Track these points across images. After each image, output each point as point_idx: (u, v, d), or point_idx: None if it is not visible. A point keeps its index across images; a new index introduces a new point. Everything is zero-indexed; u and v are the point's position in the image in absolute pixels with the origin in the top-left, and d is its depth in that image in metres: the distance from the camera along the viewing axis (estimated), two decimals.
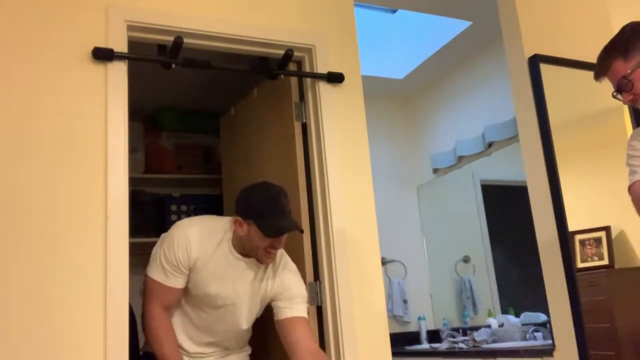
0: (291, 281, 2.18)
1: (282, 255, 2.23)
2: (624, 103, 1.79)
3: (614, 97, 1.77)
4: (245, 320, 2.20)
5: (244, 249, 2.09)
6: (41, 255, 1.94)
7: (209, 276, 2.10)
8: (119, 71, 2.19)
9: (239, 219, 2.05)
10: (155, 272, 2.10)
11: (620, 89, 1.74)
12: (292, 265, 2.25)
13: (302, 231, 2.11)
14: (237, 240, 2.09)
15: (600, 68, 1.78)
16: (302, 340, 2.08)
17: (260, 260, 2.10)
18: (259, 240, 2.03)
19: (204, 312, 2.17)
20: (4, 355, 1.83)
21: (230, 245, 2.11)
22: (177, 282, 2.10)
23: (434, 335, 4.46)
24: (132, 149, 2.27)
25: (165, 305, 2.12)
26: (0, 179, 1.95)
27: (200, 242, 2.08)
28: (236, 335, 2.27)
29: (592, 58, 3.09)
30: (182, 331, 2.20)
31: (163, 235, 2.16)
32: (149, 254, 2.18)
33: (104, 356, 1.93)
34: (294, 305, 2.14)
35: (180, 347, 2.19)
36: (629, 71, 1.70)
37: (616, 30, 3.21)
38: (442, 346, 3.93)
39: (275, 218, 2.02)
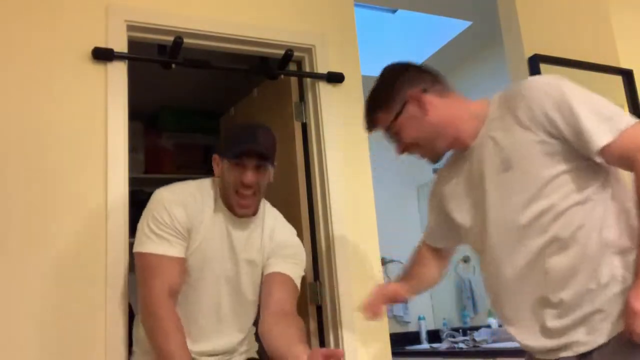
0: (287, 240, 1.96)
1: (275, 217, 2.00)
2: (398, 154, 1.74)
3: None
4: (250, 289, 1.92)
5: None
6: (40, 254, 1.94)
7: (206, 241, 1.83)
8: (119, 71, 2.19)
9: (215, 156, 1.89)
10: (148, 244, 1.76)
11: (391, 140, 1.70)
12: (289, 227, 2.02)
13: (273, 165, 1.85)
14: (223, 193, 1.86)
15: (369, 124, 1.73)
16: (275, 295, 1.82)
17: (235, 209, 1.83)
18: (228, 174, 1.80)
19: (204, 292, 1.85)
20: (5, 353, 1.83)
21: (221, 204, 1.87)
22: (178, 249, 1.78)
23: (434, 335, 4.46)
24: (132, 149, 2.26)
25: (170, 285, 1.75)
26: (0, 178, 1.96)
27: (189, 200, 1.84)
28: (242, 316, 1.95)
29: (592, 58, 3.11)
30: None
31: (145, 210, 1.86)
32: None
33: (104, 356, 1.93)
34: (280, 262, 1.90)
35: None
36: (389, 122, 1.66)
37: (616, 30, 3.22)
38: (442, 346, 3.93)
39: (240, 142, 1.80)
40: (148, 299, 1.73)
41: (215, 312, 1.88)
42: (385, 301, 1.80)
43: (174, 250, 1.76)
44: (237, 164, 1.79)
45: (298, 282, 1.93)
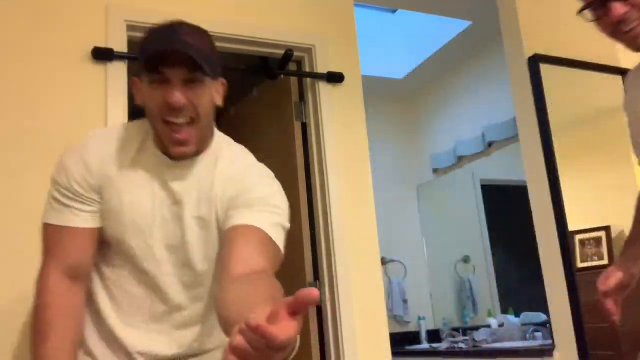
0: (253, 183, 1.34)
1: (235, 153, 1.43)
2: (614, 19, 1.31)
3: (596, 19, 1.35)
4: (199, 253, 1.34)
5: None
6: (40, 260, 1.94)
7: (129, 199, 1.30)
8: (119, 71, 2.20)
9: (134, 79, 1.38)
10: (49, 214, 1.34)
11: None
12: (258, 166, 1.42)
13: (216, 77, 1.37)
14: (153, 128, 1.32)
15: None
16: (237, 252, 1.18)
17: (168, 148, 1.28)
18: (149, 99, 1.26)
19: (136, 272, 1.34)
20: (5, 355, 1.83)
21: (153, 146, 1.33)
22: (84, 218, 1.31)
23: (434, 335, 4.46)
24: None
25: (71, 266, 1.29)
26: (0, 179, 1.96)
27: (97, 149, 1.33)
28: (198, 300, 1.38)
29: (592, 58, 3.11)
30: (116, 322, 1.34)
31: None
32: None
33: None
34: (244, 212, 1.27)
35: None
36: None
37: None
38: (442, 346, 3.93)
39: (155, 41, 1.32)
40: (37, 283, 1.29)
41: (158, 299, 1.34)
42: (621, 293, 1.60)
43: (77, 220, 1.30)
44: (158, 81, 1.24)
45: (277, 238, 1.28)
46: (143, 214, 1.30)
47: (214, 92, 1.33)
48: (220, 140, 1.42)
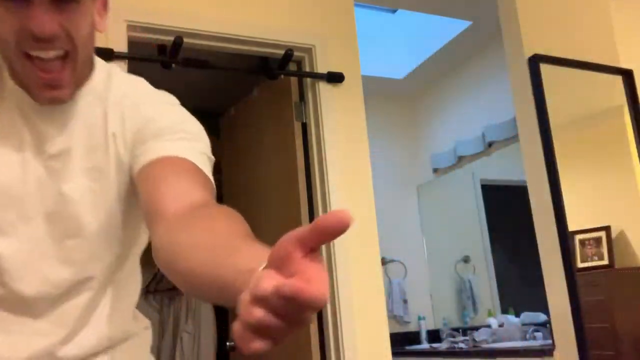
0: (159, 111, 1.02)
1: (130, 83, 1.11)
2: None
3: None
4: (90, 214, 0.99)
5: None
6: None
7: None
8: None
9: None
10: None
11: None
12: (161, 93, 1.09)
13: None
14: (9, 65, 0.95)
15: None
16: (170, 189, 0.89)
17: (33, 91, 0.94)
18: (2, 26, 0.88)
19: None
20: None
21: (15, 87, 0.97)
22: None
23: (434, 335, 4.46)
24: None
25: None
26: None
27: None
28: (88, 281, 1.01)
29: (592, 58, 3.11)
30: None
31: None
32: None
33: None
34: (160, 143, 0.96)
35: None
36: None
37: (616, 30, 3.22)
38: (442, 346, 3.93)
39: None
40: None
41: (35, 287, 0.97)
42: None
43: None
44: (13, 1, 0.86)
45: (206, 169, 0.97)
46: (9, 176, 0.96)
47: (94, 14, 0.98)
48: (106, 69, 1.08)
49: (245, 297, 0.50)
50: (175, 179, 0.91)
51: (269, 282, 0.48)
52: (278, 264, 0.50)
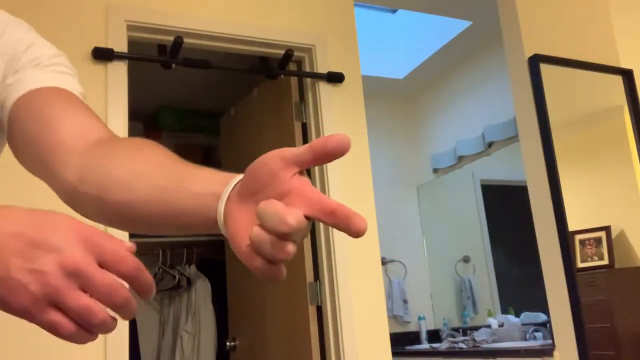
0: (29, 37, 0.91)
1: None
2: None
3: None
4: None
5: None
6: None
7: None
8: (119, 71, 2.20)
9: None
10: None
11: None
12: (19, 20, 0.97)
13: None
14: None
15: None
16: (69, 121, 0.77)
17: None
18: None
19: None
20: (6, 356, 1.83)
21: None
22: None
23: (434, 335, 4.46)
24: None
25: None
26: None
27: None
28: None
29: (592, 58, 3.11)
30: None
31: None
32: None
33: (104, 356, 1.93)
34: (44, 74, 0.83)
35: None
36: None
37: (616, 30, 3.22)
38: (442, 346, 3.93)
39: None
40: None
41: None
42: None
43: None
44: None
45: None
46: None
47: None
48: None
49: (259, 234, 0.48)
50: (75, 112, 0.80)
51: (295, 215, 0.47)
52: (261, 184, 0.49)
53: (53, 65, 0.86)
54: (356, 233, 0.47)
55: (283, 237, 0.47)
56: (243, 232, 0.52)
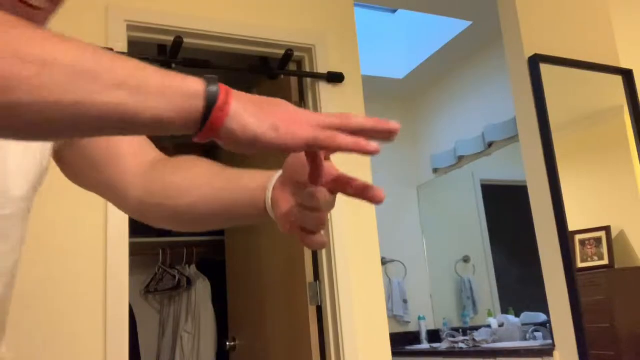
0: None
1: None
2: None
3: None
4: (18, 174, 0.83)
5: None
6: (41, 255, 1.94)
7: None
8: None
9: None
10: None
11: None
12: None
13: None
14: None
15: None
16: (138, 146, 0.92)
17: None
18: None
19: None
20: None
21: None
22: None
23: (434, 335, 4.46)
24: None
25: None
26: None
27: None
28: None
29: (592, 58, 3.11)
30: None
31: None
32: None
33: (104, 356, 1.93)
34: None
35: None
36: None
37: (616, 30, 3.23)
38: (442, 346, 3.93)
39: None
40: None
41: None
42: None
43: None
44: None
45: None
46: None
47: None
48: None
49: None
50: (130, 137, 0.90)
51: (321, 191, 0.65)
52: (296, 172, 0.68)
53: None
54: (376, 200, 0.62)
55: (316, 209, 0.65)
56: (287, 212, 0.71)
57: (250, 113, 0.55)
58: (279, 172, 0.75)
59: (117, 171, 0.88)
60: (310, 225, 0.66)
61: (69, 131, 0.57)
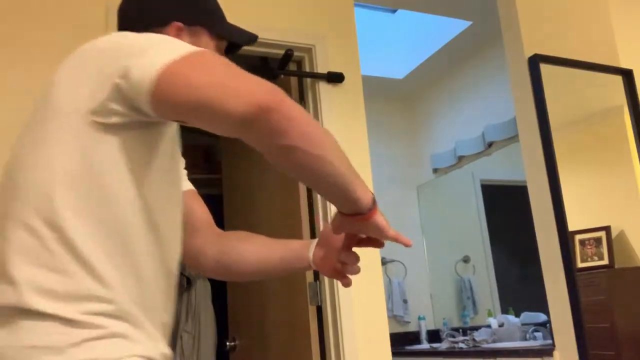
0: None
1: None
2: None
3: None
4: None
5: None
6: None
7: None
8: None
9: (179, 24, 1.20)
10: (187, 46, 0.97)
11: None
12: None
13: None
14: None
15: None
16: (202, 207, 1.35)
17: None
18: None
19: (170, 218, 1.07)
20: None
21: None
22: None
23: (434, 335, 4.46)
24: None
25: None
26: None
27: None
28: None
29: (592, 58, 3.11)
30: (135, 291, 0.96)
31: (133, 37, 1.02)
32: None
33: None
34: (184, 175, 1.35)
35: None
36: None
37: (616, 30, 3.23)
38: (442, 346, 3.93)
39: (224, 17, 1.40)
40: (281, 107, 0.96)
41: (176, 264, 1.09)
42: None
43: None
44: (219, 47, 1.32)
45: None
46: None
47: None
48: None
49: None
50: (201, 207, 1.34)
51: (351, 254, 1.21)
52: (328, 240, 1.24)
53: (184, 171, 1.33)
54: (406, 245, 1.15)
55: (351, 263, 1.20)
56: (324, 265, 1.24)
57: (382, 218, 1.06)
58: (317, 240, 1.27)
59: (194, 241, 1.29)
60: (352, 270, 1.22)
61: (311, 178, 0.99)
